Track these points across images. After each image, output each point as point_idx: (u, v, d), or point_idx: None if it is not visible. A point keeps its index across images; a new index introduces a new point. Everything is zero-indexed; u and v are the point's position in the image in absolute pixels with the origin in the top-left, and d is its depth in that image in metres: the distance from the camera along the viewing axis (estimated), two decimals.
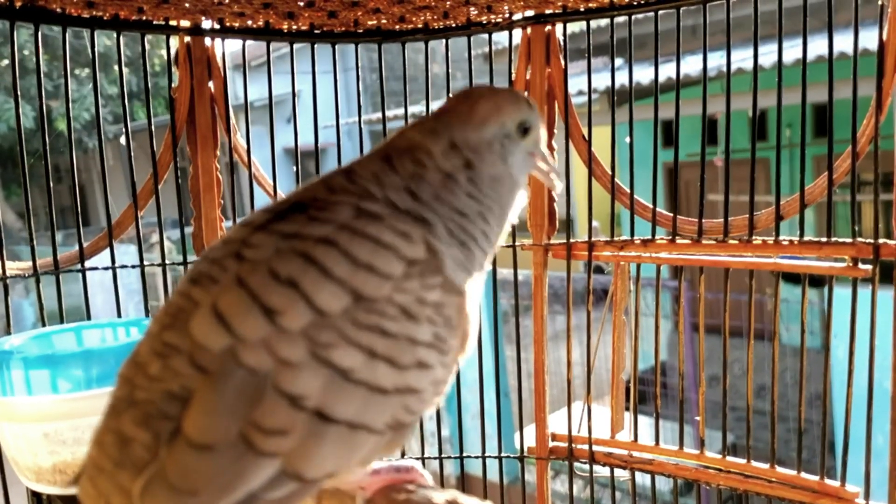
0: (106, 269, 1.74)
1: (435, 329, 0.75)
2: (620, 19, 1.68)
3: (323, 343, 0.69)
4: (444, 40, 1.80)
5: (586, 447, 1.85)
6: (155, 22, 1.66)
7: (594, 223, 1.78)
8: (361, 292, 0.71)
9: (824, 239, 1.55)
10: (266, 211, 0.79)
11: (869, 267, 1.50)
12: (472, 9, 1.69)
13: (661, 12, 1.64)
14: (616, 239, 1.78)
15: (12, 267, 1.61)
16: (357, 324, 0.70)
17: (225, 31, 1.73)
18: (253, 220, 0.78)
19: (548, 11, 1.70)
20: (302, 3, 1.62)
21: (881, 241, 1.48)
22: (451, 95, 0.90)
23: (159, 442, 0.69)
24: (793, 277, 1.73)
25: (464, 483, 1.98)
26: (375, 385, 0.71)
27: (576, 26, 1.78)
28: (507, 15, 1.73)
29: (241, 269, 0.72)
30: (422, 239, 0.76)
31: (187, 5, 1.60)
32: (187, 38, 1.72)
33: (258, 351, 0.68)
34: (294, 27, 1.74)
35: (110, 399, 0.75)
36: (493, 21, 1.75)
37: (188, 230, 1.81)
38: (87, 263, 1.71)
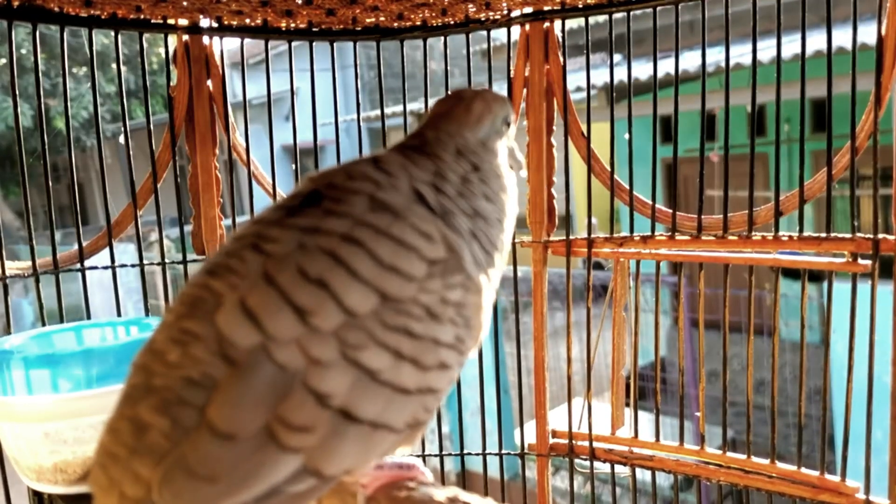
0: (105, 268, 1.73)
1: (456, 330, 0.76)
2: (619, 15, 1.68)
3: (353, 344, 0.69)
4: (442, 38, 1.79)
5: (587, 443, 1.85)
6: (153, 21, 1.66)
7: (593, 220, 1.78)
8: (388, 293, 0.72)
9: (824, 234, 1.55)
10: (278, 207, 0.80)
11: (868, 262, 1.50)
12: (470, 6, 1.68)
13: (659, 8, 1.64)
14: (615, 235, 1.78)
15: (12, 266, 1.61)
16: (385, 325, 0.71)
17: (223, 30, 1.72)
18: (266, 217, 0.79)
19: (546, 8, 1.70)
20: (300, 1, 1.62)
21: (881, 235, 1.49)
22: (441, 98, 0.94)
23: (178, 428, 0.68)
24: (792, 273, 1.73)
25: (464, 480, 1.98)
26: (400, 386, 0.71)
27: (574, 23, 1.78)
28: (505, 12, 1.73)
29: (267, 264, 0.72)
30: (441, 238, 0.77)
31: (185, 4, 1.60)
32: (185, 37, 1.72)
33: (290, 349, 0.68)
34: (292, 25, 1.74)
35: (124, 388, 0.75)
36: (491, 18, 1.75)
37: (187, 229, 1.81)
38: (87, 263, 1.71)
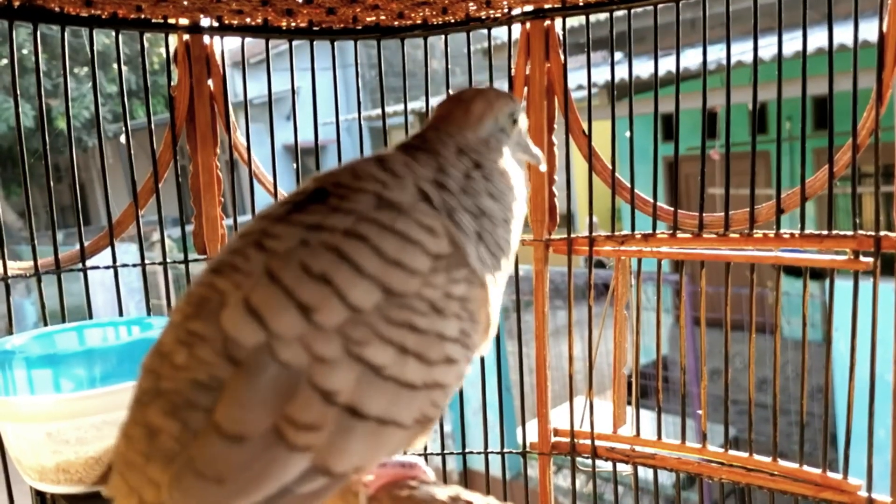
0: (107, 268, 1.74)
1: (461, 324, 0.76)
2: (620, 13, 1.68)
3: (357, 340, 0.69)
4: (442, 36, 1.79)
5: (588, 442, 1.85)
6: (153, 20, 1.66)
7: (594, 218, 1.78)
8: (392, 288, 0.72)
9: (825, 232, 1.55)
10: (284, 203, 0.79)
11: (870, 259, 1.50)
12: (470, 4, 1.68)
13: (660, 6, 1.64)
14: (617, 233, 1.78)
15: (13, 267, 1.61)
16: (389, 320, 0.71)
17: (223, 29, 1.72)
18: (271, 213, 0.78)
19: (547, 6, 1.70)
20: (300, 0, 1.62)
21: (882, 233, 1.48)
22: (442, 101, 0.94)
23: (188, 431, 0.69)
24: (794, 271, 1.73)
25: (466, 479, 1.98)
26: (405, 381, 0.71)
27: (575, 21, 1.78)
28: (505, 10, 1.73)
29: (271, 262, 0.72)
30: (445, 233, 0.77)
31: (186, 3, 1.60)
32: (186, 37, 1.72)
33: (294, 347, 0.68)
34: (293, 24, 1.74)
35: (135, 392, 0.75)
36: (491, 16, 1.75)
37: (189, 228, 1.81)
38: (89, 262, 1.71)
